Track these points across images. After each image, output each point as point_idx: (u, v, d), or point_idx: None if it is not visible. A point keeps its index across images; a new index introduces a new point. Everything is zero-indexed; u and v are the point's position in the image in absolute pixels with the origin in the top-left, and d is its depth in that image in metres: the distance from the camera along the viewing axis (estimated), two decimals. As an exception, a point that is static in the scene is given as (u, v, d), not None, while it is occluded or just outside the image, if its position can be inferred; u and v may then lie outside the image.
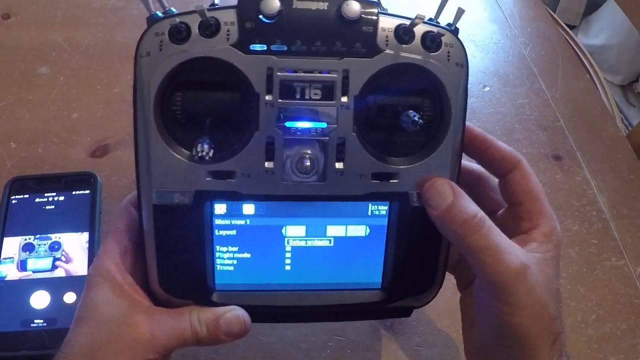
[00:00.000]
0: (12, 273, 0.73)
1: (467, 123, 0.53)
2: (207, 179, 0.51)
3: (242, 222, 0.54)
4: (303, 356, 0.69)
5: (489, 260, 0.48)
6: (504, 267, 0.48)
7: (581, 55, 1.32)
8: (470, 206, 0.50)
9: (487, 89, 1.02)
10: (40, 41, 1.05)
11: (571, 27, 2.79)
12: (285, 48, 0.48)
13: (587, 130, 0.99)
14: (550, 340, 0.50)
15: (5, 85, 0.97)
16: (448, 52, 0.50)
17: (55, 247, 0.75)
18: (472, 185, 0.59)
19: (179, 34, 0.48)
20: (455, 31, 0.51)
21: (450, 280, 0.75)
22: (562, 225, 0.83)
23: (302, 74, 0.49)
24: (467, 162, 0.56)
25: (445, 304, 0.73)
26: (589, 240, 0.83)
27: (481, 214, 0.50)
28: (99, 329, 0.51)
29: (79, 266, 0.73)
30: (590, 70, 1.29)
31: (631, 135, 1.09)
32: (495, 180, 0.58)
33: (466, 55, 0.51)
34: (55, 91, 0.96)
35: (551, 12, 1.32)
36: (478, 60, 1.09)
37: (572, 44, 1.27)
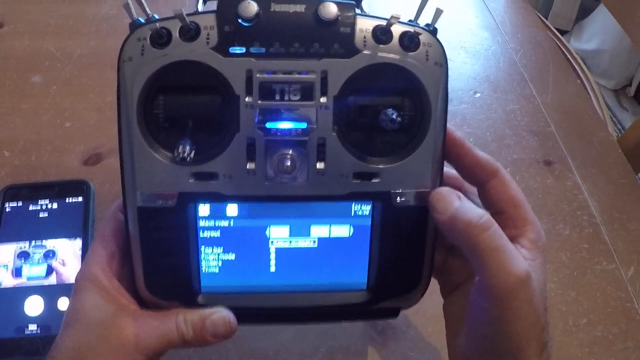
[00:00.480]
0: (6, 280, 0.73)
1: (449, 127, 0.53)
2: (190, 180, 0.51)
3: (225, 223, 0.54)
4: (295, 360, 0.69)
5: (495, 264, 0.48)
6: (509, 271, 0.48)
7: (572, 61, 1.33)
8: (476, 208, 0.50)
9: (478, 95, 1.03)
10: (33, 50, 1.06)
11: (564, 32, 2.80)
12: (264, 50, 0.49)
13: (578, 135, 1.00)
14: (539, 350, 0.50)
15: (-1, 94, 0.98)
16: (427, 52, 0.51)
17: (50, 255, 0.75)
18: None
19: (160, 38, 0.49)
20: (433, 31, 0.51)
21: (441, 285, 0.76)
22: (553, 230, 0.84)
23: (281, 76, 0.49)
24: (446, 169, 0.56)
25: (436, 309, 0.73)
26: (580, 245, 0.84)
27: (488, 215, 0.49)
28: (86, 333, 0.52)
29: (73, 273, 0.73)
30: (582, 75, 1.30)
31: (622, 140, 1.09)
32: (473, 188, 0.58)
33: (445, 55, 0.51)
34: (49, 100, 0.97)
35: (542, 18, 1.33)
36: (469, 67, 1.09)
37: (564, 49, 1.28)
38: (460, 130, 0.95)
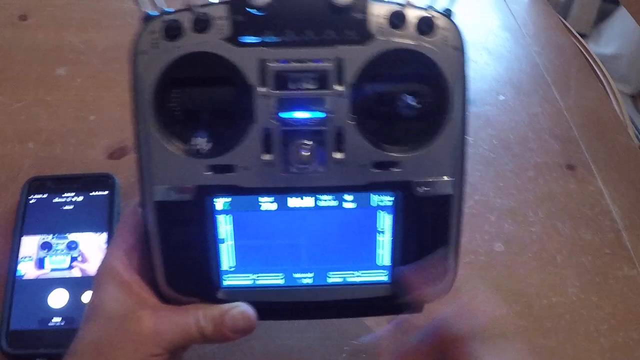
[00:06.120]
0: (30, 272, 0.73)
1: None
2: (207, 173, 0.51)
3: (245, 216, 0.54)
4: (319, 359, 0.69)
5: None
6: None
7: (593, 65, 1.32)
8: None
9: (502, 97, 1.03)
10: (58, 43, 1.06)
11: (582, 36, 2.78)
12: (277, 39, 0.48)
13: (600, 139, 1.00)
14: None
15: (23, 86, 0.98)
16: (444, 36, 0.50)
17: (72, 246, 0.75)
18: None
19: (173, 31, 0.48)
20: (450, 15, 0.50)
21: (464, 286, 0.75)
22: (575, 234, 0.84)
23: (295, 64, 0.49)
24: None
25: (459, 311, 0.74)
26: (602, 250, 0.84)
27: None
28: (105, 326, 0.52)
29: (97, 266, 0.73)
30: (603, 79, 1.29)
31: (643, 146, 1.09)
32: None
33: (463, 39, 0.50)
34: (73, 93, 0.97)
35: (564, 21, 1.32)
36: (492, 69, 1.09)
37: (585, 52, 1.27)
38: (484, 132, 0.95)
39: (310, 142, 0.50)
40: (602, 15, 2.81)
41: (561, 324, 0.75)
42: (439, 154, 0.52)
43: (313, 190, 0.53)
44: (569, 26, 1.33)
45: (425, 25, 0.49)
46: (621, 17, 2.63)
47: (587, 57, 1.27)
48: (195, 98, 0.51)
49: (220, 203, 0.53)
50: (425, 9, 0.50)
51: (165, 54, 0.49)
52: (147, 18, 0.49)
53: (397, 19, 0.49)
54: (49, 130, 0.91)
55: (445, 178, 0.53)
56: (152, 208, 0.52)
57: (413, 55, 0.50)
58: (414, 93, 0.50)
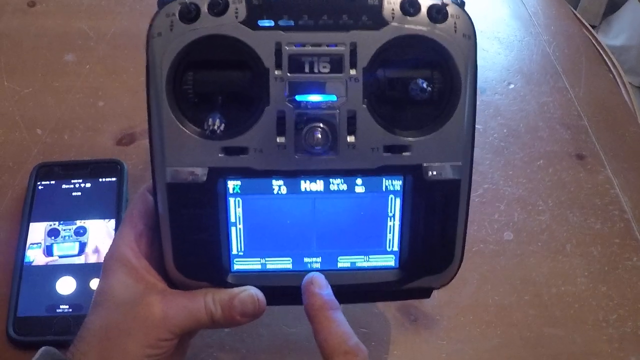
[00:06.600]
0: (38, 258, 0.73)
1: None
2: (220, 155, 0.52)
3: (256, 199, 0.55)
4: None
5: None
6: None
7: (604, 55, 1.31)
8: None
9: (512, 86, 1.02)
10: (66, 29, 1.06)
11: (591, 27, 2.77)
12: (293, 23, 0.49)
13: (610, 129, 0.99)
14: None
15: (31, 73, 0.98)
16: (455, 24, 0.51)
17: (80, 231, 0.75)
18: None
19: (189, 14, 0.49)
20: (461, 4, 0.51)
21: (473, 275, 0.75)
22: (584, 223, 0.84)
23: (310, 48, 0.50)
24: None
25: (468, 300, 0.73)
26: (611, 240, 0.83)
27: None
28: (114, 311, 0.52)
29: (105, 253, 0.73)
30: (613, 70, 1.29)
31: (653, 136, 1.08)
32: None
33: (474, 27, 0.52)
34: (82, 79, 0.97)
35: (574, 11, 1.32)
36: (502, 58, 1.08)
37: (595, 43, 1.26)
38: (494, 121, 0.95)
39: (323, 125, 0.51)
40: (612, 7, 2.80)
41: (570, 313, 0.75)
42: (448, 139, 0.53)
43: (325, 173, 0.54)
44: (579, 16, 1.32)
45: (438, 13, 0.50)
46: (631, 9, 2.62)
47: (597, 47, 1.26)
48: (210, 80, 0.51)
49: (231, 186, 0.54)
50: None
51: (181, 36, 0.49)
52: (164, 1, 0.50)
53: (410, 6, 0.50)
54: (57, 116, 0.91)
55: (454, 163, 0.53)
56: (164, 190, 0.53)
57: (425, 41, 0.51)
58: (425, 79, 0.51)
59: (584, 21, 1.31)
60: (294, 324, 0.70)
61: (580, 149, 0.94)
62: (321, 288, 0.53)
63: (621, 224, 0.85)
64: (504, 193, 0.87)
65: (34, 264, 0.73)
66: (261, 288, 0.55)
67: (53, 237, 0.75)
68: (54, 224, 0.76)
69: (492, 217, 0.84)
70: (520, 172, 0.90)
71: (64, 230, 0.75)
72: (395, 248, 0.57)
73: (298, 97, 0.50)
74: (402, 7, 0.50)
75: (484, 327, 0.72)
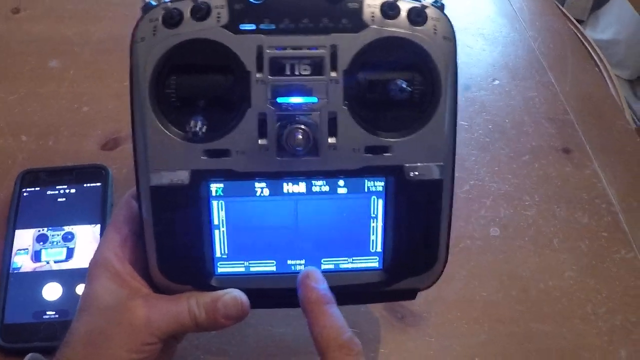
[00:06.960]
0: (26, 264, 0.73)
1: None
2: (203, 157, 0.52)
3: (239, 202, 0.55)
4: (314, 347, 0.69)
5: None
6: None
7: (590, 49, 1.32)
8: None
9: (497, 82, 1.02)
10: (51, 35, 1.06)
11: (579, 22, 2.77)
12: (274, 27, 0.50)
13: (597, 123, 0.99)
14: None
15: (16, 79, 0.98)
16: (434, 26, 0.51)
17: (68, 237, 0.75)
18: None
19: (172, 19, 0.49)
20: (441, 7, 0.52)
21: (460, 271, 0.75)
22: (572, 218, 0.84)
23: (291, 51, 0.50)
24: None
25: (455, 296, 0.73)
26: (598, 233, 0.83)
27: None
28: (98, 317, 0.52)
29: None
30: (599, 64, 1.29)
31: (640, 129, 1.09)
32: None
33: (453, 30, 0.52)
34: (66, 84, 0.97)
35: (560, 7, 1.32)
36: (487, 54, 1.08)
37: (581, 38, 1.27)
38: (479, 117, 0.95)
39: (305, 127, 0.51)
40: (599, 2, 2.81)
41: (558, 308, 0.75)
42: (429, 140, 0.53)
43: (307, 175, 0.54)
44: (565, 12, 1.32)
45: (417, 16, 0.51)
46: (618, 3, 2.63)
47: (584, 42, 1.26)
48: (192, 84, 0.52)
49: (214, 188, 0.54)
50: (417, 1, 0.52)
51: (164, 40, 0.50)
52: (147, 7, 0.50)
53: (390, 9, 0.51)
54: (42, 122, 0.91)
55: (436, 163, 0.54)
56: (148, 193, 0.53)
57: (405, 43, 0.51)
58: (405, 80, 0.52)
59: (569, 16, 1.31)
60: (280, 324, 0.70)
61: (566, 143, 0.95)
62: (317, 282, 0.53)
63: (608, 217, 0.86)
64: (490, 189, 0.87)
65: (21, 270, 0.73)
66: (245, 291, 0.55)
67: (42, 243, 0.75)
68: (43, 230, 0.76)
69: (478, 213, 0.84)
70: (506, 168, 0.90)
71: (52, 236, 0.75)
72: (379, 249, 0.57)
73: (279, 100, 0.51)
74: (382, 10, 0.50)
75: (471, 324, 0.72)
